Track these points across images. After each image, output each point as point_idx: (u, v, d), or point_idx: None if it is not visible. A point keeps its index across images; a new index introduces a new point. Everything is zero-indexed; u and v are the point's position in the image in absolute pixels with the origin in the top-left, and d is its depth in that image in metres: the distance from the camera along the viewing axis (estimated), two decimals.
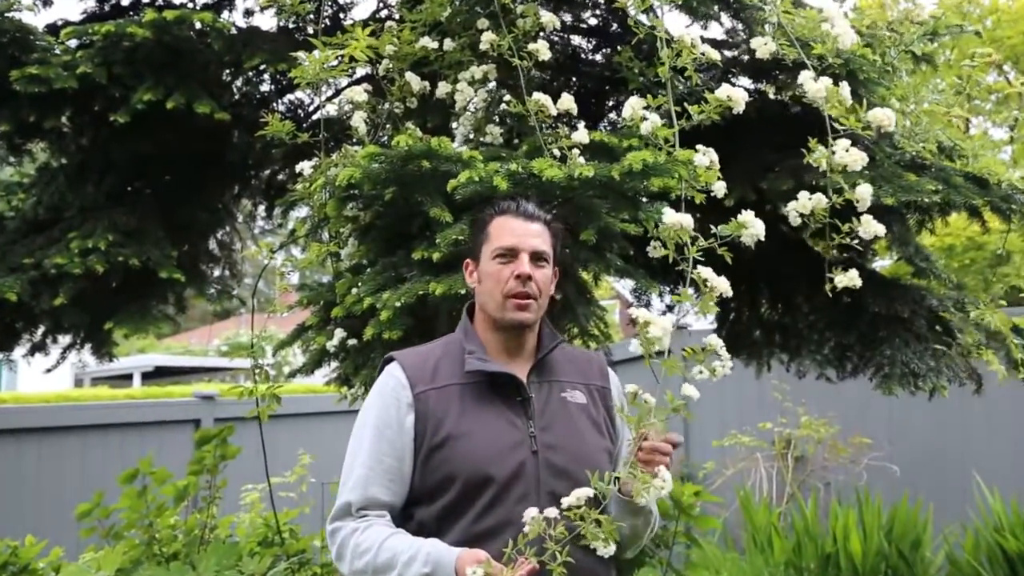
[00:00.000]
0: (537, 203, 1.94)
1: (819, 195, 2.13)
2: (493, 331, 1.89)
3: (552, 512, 1.61)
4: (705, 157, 2.14)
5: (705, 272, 1.85)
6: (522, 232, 1.87)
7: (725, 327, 3.93)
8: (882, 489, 5.74)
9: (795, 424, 6.44)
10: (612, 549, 1.67)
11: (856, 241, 2.12)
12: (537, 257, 1.87)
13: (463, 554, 1.65)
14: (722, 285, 1.84)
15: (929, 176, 2.90)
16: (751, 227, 1.96)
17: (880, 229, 2.10)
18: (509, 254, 1.86)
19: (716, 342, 1.83)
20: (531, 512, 1.62)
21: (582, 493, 1.64)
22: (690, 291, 1.89)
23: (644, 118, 2.19)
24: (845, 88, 2.13)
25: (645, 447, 1.71)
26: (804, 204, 2.14)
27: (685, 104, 2.20)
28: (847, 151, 2.12)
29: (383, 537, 1.73)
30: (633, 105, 2.22)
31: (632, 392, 1.81)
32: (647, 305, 4.02)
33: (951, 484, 5.99)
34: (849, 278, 2.11)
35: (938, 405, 3.82)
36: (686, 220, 1.91)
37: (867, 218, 2.11)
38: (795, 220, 2.16)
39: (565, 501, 1.64)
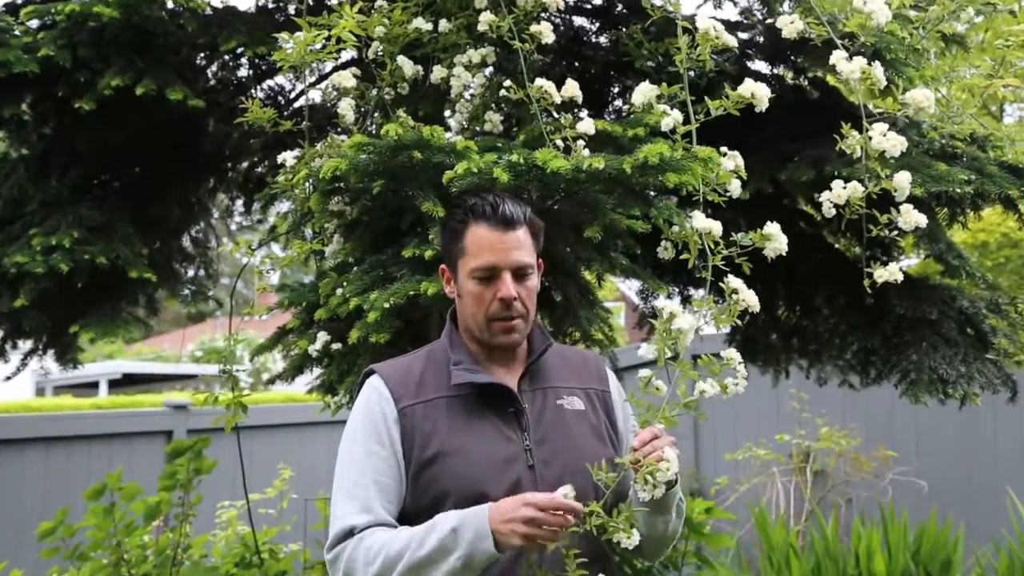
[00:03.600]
0: (514, 200, 1.87)
1: (855, 183, 2.12)
2: (478, 342, 1.88)
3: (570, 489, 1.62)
4: (731, 161, 2.14)
5: (735, 283, 1.84)
6: (503, 246, 1.80)
7: (738, 331, 3.93)
8: (909, 506, 5.74)
9: (814, 436, 6.44)
10: (636, 538, 1.65)
11: (896, 233, 2.11)
12: (521, 272, 1.83)
13: (502, 501, 1.65)
14: (751, 299, 1.83)
15: (961, 165, 2.90)
16: (775, 240, 1.96)
17: (922, 220, 2.09)
18: (490, 274, 1.81)
19: (734, 355, 1.81)
20: (565, 490, 1.62)
21: (566, 490, 1.63)
22: (700, 294, 1.89)
23: (665, 113, 2.19)
24: (878, 68, 2.13)
25: (642, 440, 1.69)
26: (839, 194, 2.13)
27: (697, 94, 2.20)
28: (885, 135, 2.11)
29: (393, 533, 1.72)
30: (644, 92, 2.22)
31: (645, 378, 1.80)
32: (654, 307, 4.02)
33: (983, 501, 5.99)
34: (890, 272, 2.09)
35: (969, 415, 3.82)
36: (715, 226, 1.91)
37: (907, 207, 2.10)
38: (829, 211, 2.15)
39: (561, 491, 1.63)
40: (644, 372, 1.82)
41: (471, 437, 1.78)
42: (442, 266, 1.93)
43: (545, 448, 1.80)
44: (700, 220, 1.93)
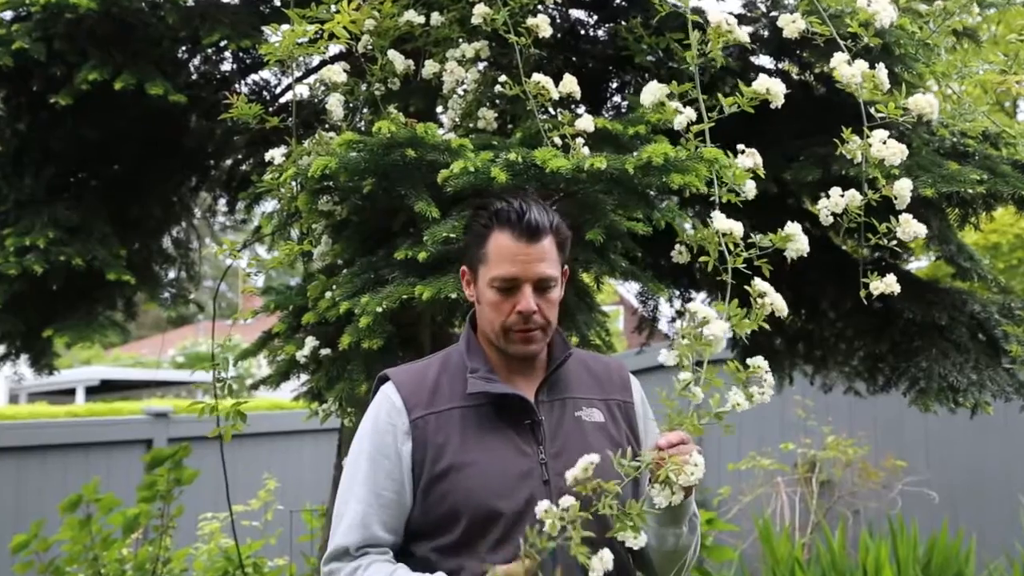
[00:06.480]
0: (541, 206, 1.85)
1: (852, 192, 2.13)
2: (497, 348, 1.87)
3: (568, 500, 1.57)
4: (749, 158, 2.14)
5: (762, 285, 1.83)
6: (525, 259, 1.79)
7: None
8: (918, 517, 5.75)
9: (820, 445, 6.45)
10: (643, 540, 1.64)
11: (894, 243, 2.12)
12: (542, 284, 1.81)
13: None
14: (779, 303, 1.82)
15: (973, 164, 2.91)
16: (796, 241, 1.96)
17: (922, 230, 2.11)
18: (510, 285, 1.80)
19: (761, 363, 1.80)
20: (543, 505, 1.58)
21: (587, 461, 1.59)
22: (701, 297, 1.89)
23: (678, 111, 2.19)
24: (882, 71, 2.13)
25: (669, 442, 1.67)
26: (836, 202, 2.14)
27: (701, 91, 2.20)
28: (884, 143, 2.12)
29: (387, 574, 1.73)
30: (653, 92, 2.22)
31: (684, 381, 1.77)
32: (654, 310, 4.03)
33: (996, 512, 6.00)
34: (886, 284, 2.10)
35: (981, 424, 3.82)
36: (737, 228, 1.90)
37: (906, 217, 2.12)
38: (826, 220, 2.16)
39: (569, 474, 1.60)
40: (684, 375, 1.77)
41: (484, 450, 1.78)
42: (463, 268, 1.92)
43: (561, 462, 1.78)
44: (721, 221, 1.93)
